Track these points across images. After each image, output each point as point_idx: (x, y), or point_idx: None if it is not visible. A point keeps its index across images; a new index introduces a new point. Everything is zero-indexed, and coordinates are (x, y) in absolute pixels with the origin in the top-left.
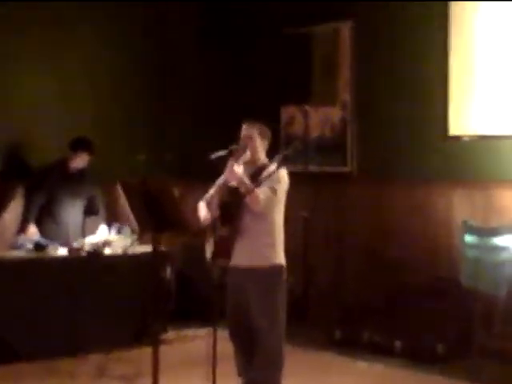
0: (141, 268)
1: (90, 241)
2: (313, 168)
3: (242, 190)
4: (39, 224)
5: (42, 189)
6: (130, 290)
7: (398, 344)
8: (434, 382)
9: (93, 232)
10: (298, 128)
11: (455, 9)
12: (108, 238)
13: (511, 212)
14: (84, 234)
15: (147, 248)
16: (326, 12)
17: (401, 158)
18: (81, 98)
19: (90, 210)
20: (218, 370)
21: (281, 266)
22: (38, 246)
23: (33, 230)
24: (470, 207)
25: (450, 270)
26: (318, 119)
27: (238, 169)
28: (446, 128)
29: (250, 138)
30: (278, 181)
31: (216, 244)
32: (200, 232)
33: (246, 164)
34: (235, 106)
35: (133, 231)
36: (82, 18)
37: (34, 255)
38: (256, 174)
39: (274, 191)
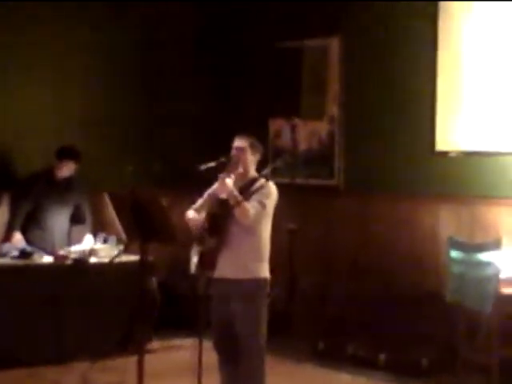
0: (127, 277)
1: (76, 249)
2: (300, 180)
3: (232, 202)
4: (25, 232)
5: (28, 197)
6: (115, 298)
7: (382, 357)
8: None
9: (79, 241)
10: (285, 141)
11: (443, 26)
12: (94, 247)
13: (496, 228)
14: (70, 243)
15: (133, 257)
16: (316, 27)
17: (387, 173)
18: (68, 107)
19: (76, 219)
20: (202, 380)
21: (265, 279)
22: (24, 254)
23: (18, 238)
24: (456, 223)
25: (436, 285)
26: (306, 132)
27: (230, 182)
28: (433, 143)
29: (242, 150)
30: (268, 195)
31: (202, 255)
32: (187, 242)
33: (236, 177)
34: (224, 118)
35: (119, 241)
36: (73, 28)
37: (19, 262)
38: (246, 187)
39: (263, 205)
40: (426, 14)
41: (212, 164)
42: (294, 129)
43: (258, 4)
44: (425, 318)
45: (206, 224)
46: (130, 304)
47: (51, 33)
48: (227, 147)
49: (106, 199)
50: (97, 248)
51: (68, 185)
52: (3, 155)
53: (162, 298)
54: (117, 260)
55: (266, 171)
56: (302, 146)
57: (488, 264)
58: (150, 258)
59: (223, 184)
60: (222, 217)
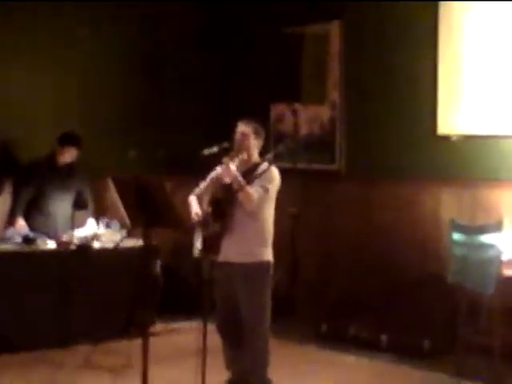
0: (130, 261)
1: (79, 234)
2: (301, 165)
3: (236, 187)
4: (28, 218)
5: (30, 183)
6: (118, 282)
7: (384, 338)
8: (420, 377)
9: (81, 226)
10: (287, 126)
11: (444, 8)
12: (97, 232)
13: (498, 210)
14: (73, 228)
15: (137, 242)
16: (316, 12)
17: (389, 157)
18: (71, 92)
19: (78, 204)
20: (206, 363)
21: (268, 263)
22: (27, 240)
23: (21, 224)
24: (458, 205)
25: (437, 267)
26: (308, 117)
27: (233, 167)
28: (435, 127)
29: (245, 135)
30: (271, 180)
31: (206, 239)
32: (191, 227)
33: (239, 162)
34: (225, 103)
35: (122, 226)
36: (79, 16)
37: (22, 248)
38: (249, 172)
39: (266, 190)
40: None
41: (215, 149)
42: (295, 114)
43: None
44: (426, 299)
45: (209, 208)
46: (134, 288)
47: (51, 21)
48: (229, 132)
49: (109, 184)
50: (100, 233)
51: (70, 171)
52: (5, 142)
53: (165, 282)
54: (120, 245)
55: (269, 156)
56: (304, 130)
57: (490, 246)
58: (154, 243)
59: (227, 169)
60: (225, 201)
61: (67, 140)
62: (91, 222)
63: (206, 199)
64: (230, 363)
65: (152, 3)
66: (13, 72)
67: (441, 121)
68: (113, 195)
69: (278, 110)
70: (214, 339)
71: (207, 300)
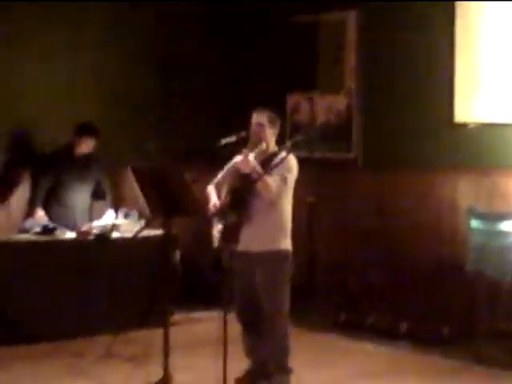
0: (149, 251)
1: (98, 224)
2: (318, 154)
3: (254, 177)
4: (46, 208)
5: (49, 173)
6: (138, 272)
7: (402, 326)
8: (439, 364)
9: (100, 216)
10: (303, 115)
11: (461, 1)
12: (115, 222)
13: None
14: (91, 218)
15: (156, 231)
16: (333, 0)
17: (405, 145)
18: (87, 82)
19: (96, 195)
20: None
21: (287, 251)
22: (46, 230)
23: (40, 214)
24: (475, 193)
25: (455, 254)
26: (324, 106)
27: (252, 157)
28: (452, 115)
29: (261, 125)
30: (289, 169)
31: (225, 229)
32: (210, 217)
33: (257, 152)
34: (242, 94)
35: (140, 216)
36: (92, 10)
37: (42, 238)
38: (266, 162)
39: (284, 180)
40: None
41: (233, 138)
42: (311, 103)
43: None
44: (445, 287)
45: (228, 198)
46: (153, 277)
47: (65, 12)
48: (245, 122)
49: (128, 174)
50: (118, 223)
51: (87, 161)
52: (23, 133)
53: (184, 272)
54: (139, 235)
55: (287, 145)
56: (320, 119)
57: (509, 233)
58: (173, 232)
59: (246, 160)
60: (244, 191)
61: (85, 130)
62: (110, 212)
63: (225, 189)
64: (250, 351)
65: None
66: (27, 62)
67: (458, 109)
68: (132, 185)
69: (294, 99)
70: (234, 328)
71: (227, 290)
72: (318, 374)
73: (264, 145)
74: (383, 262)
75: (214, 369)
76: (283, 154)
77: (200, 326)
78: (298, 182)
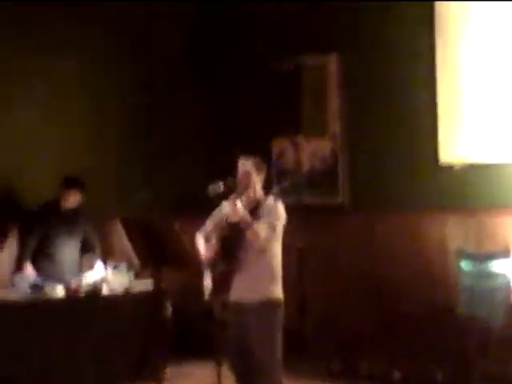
0: (140, 305)
1: (87, 280)
2: (305, 200)
3: (243, 226)
4: (35, 263)
5: (36, 229)
6: (129, 327)
7: (396, 374)
8: None
9: (89, 269)
10: (289, 160)
11: (440, 40)
12: (105, 276)
13: (505, 238)
14: (80, 272)
15: (146, 284)
16: (313, 44)
17: (392, 188)
18: (72, 134)
19: (85, 248)
20: None
21: (279, 300)
22: (35, 288)
23: (29, 269)
24: (463, 235)
25: (446, 297)
26: (309, 151)
27: (240, 206)
28: (437, 157)
29: (248, 174)
30: (277, 216)
31: (216, 278)
32: (200, 268)
33: (245, 199)
34: (227, 140)
35: (129, 268)
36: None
37: (31, 297)
38: (254, 209)
39: (273, 227)
40: (421, 22)
41: (221, 186)
42: (297, 148)
43: (254, 24)
44: (437, 331)
45: (218, 248)
46: (144, 332)
47: (44, 60)
48: (234, 168)
49: (116, 225)
50: (108, 276)
51: (74, 215)
52: (9, 188)
53: (175, 324)
54: (130, 289)
55: (274, 191)
56: (306, 165)
57: (498, 274)
58: (163, 285)
59: (235, 209)
60: (233, 240)
61: (71, 184)
62: (99, 265)
63: (214, 238)
64: None
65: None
66: (15, 114)
67: (442, 149)
68: (120, 236)
69: (279, 144)
70: (228, 379)
71: (220, 342)
72: None
73: (251, 192)
74: (373, 306)
75: None
76: (271, 200)
77: (193, 380)
78: (286, 228)
